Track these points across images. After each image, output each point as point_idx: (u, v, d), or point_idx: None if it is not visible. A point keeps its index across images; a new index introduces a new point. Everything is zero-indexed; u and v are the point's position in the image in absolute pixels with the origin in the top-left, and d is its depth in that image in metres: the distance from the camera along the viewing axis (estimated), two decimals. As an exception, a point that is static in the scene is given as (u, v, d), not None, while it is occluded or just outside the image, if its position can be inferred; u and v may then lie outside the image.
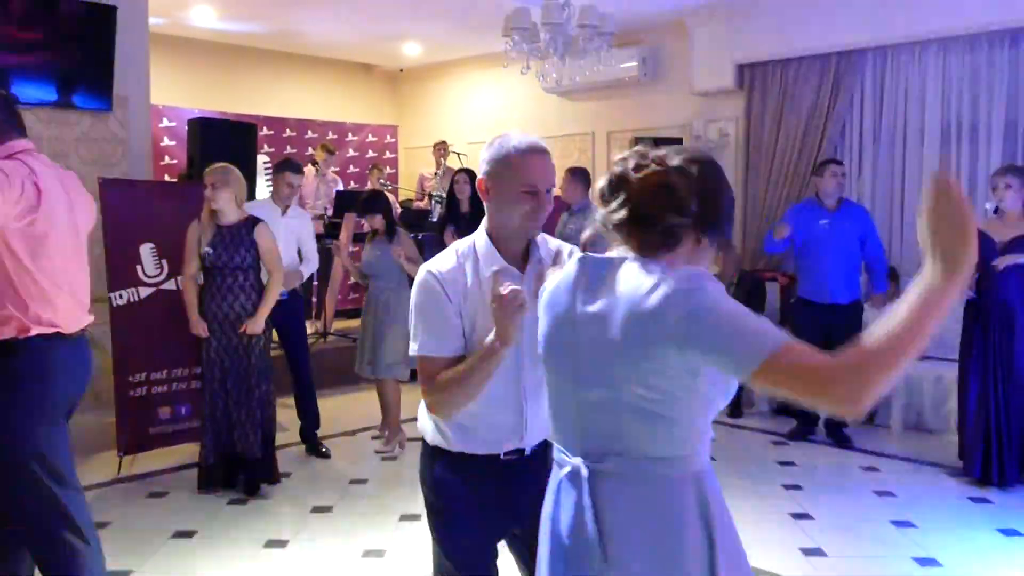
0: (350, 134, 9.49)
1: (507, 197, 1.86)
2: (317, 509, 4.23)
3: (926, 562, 3.59)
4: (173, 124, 7.93)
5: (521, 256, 1.93)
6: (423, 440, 2.02)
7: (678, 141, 7.36)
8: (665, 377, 1.36)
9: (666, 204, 1.42)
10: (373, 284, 5.20)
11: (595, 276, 1.46)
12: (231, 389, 4.35)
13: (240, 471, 4.44)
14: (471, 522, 1.96)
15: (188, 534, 3.89)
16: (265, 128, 8.14)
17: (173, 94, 7.57)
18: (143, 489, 4.47)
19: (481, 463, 1.93)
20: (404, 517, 4.07)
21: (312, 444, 5.16)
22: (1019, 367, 4.44)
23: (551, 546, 1.54)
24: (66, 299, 2.65)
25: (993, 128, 5.97)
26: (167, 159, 7.70)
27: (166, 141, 7.80)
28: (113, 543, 3.73)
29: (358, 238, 6.40)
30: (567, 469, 1.49)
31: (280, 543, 3.80)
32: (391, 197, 8.54)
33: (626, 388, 1.38)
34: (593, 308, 1.43)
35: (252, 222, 4.34)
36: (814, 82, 6.68)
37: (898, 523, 4.03)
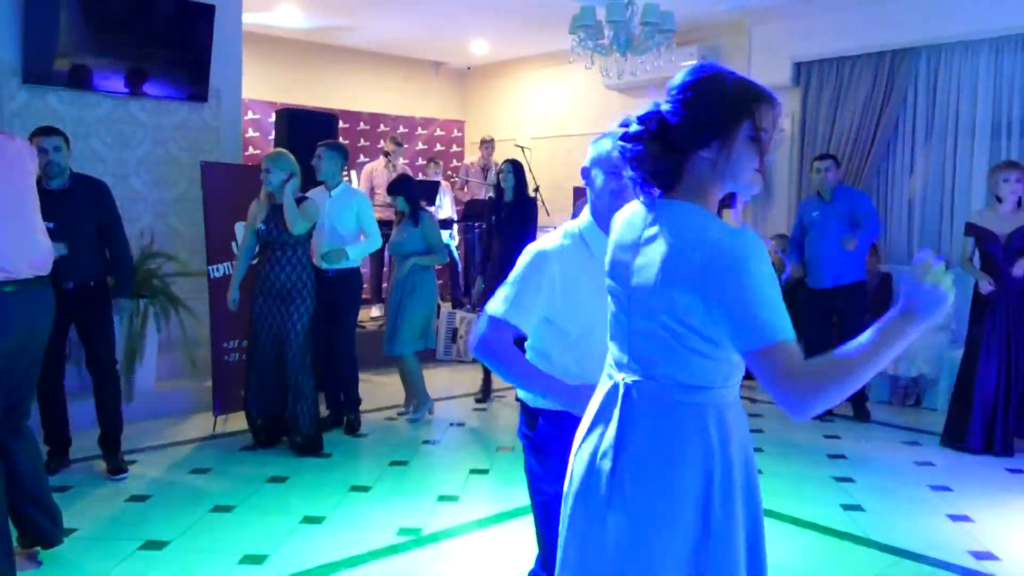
0: (419, 128, 9.97)
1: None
2: (395, 462, 4.65)
3: (958, 518, 3.87)
4: (257, 116, 8.48)
5: None
6: (522, 403, 2.20)
7: (734, 136, 7.62)
8: (696, 316, 1.44)
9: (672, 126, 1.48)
10: (398, 266, 5.46)
11: (656, 215, 1.54)
12: (273, 358, 4.72)
13: (285, 435, 4.81)
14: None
15: (281, 479, 4.34)
16: (341, 121, 8.62)
17: (257, 88, 8.10)
18: (237, 444, 4.93)
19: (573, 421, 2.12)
20: (442, 497, 4.16)
21: (347, 422, 5.30)
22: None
23: (578, 455, 1.65)
24: None
25: (1044, 124, 6.12)
26: (251, 149, 8.23)
27: (250, 132, 8.34)
28: (216, 486, 4.22)
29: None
30: (610, 384, 1.61)
31: (363, 488, 4.22)
32: (447, 188, 8.92)
33: (664, 320, 1.48)
34: (646, 244, 1.53)
35: (300, 200, 4.74)
36: (868, 80, 6.89)
37: (935, 487, 4.31)
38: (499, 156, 9.20)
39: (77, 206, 4.16)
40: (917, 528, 3.74)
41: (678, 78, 1.51)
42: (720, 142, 1.47)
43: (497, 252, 5.87)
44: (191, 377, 5.68)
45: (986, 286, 4.82)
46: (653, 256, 1.50)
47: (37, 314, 3.15)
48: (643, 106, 1.53)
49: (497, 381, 6.14)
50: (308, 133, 6.01)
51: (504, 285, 2.06)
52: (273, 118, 7.33)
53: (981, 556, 3.44)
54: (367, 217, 5.29)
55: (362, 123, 9.39)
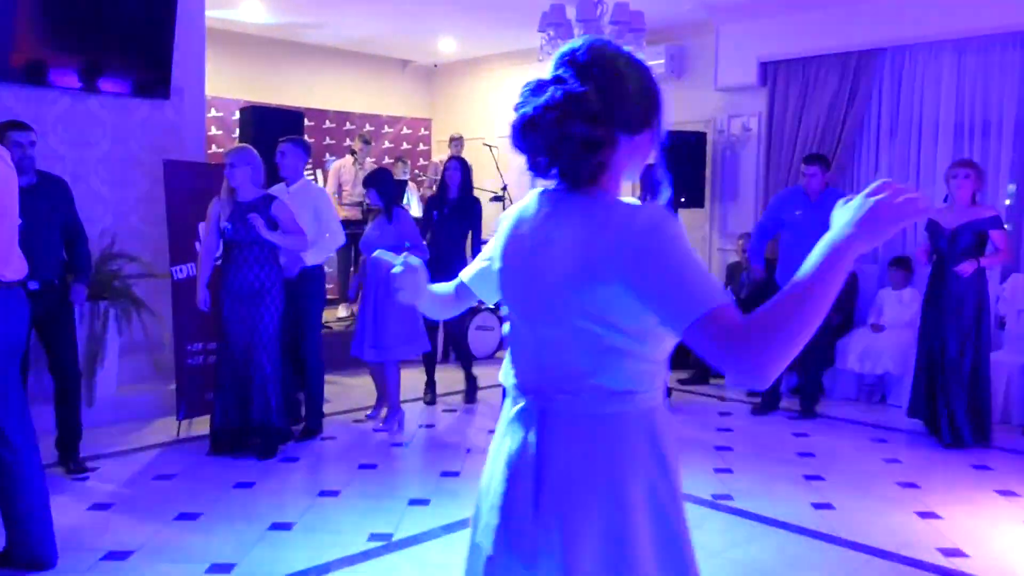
0: (386, 127, 9.88)
1: None
2: (364, 466, 4.59)
3: (926, 515, 3.91)
4: (220, 114, 8.34)
5: None
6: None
7: (702, 136, 7.67)
8: (616, 312, 1.31)
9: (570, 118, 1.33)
10: (371, 264, 5.14)
11: (553, 210, 1.41)
12: (243, 359, 4.60)
13: (253, 438, 4.67)
14: None
15: (248, 485, 4.26)
16: (306, 119, 8.52)
17: (219, 85, 7.96)
18: (202, 449, 4.82)
19: None
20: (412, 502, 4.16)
21: (305, 428, 5.10)
22: (968, 345, 4.99)
23: (489, 484, 1.48)
24: None
25: (1004, 126, 6.22)
26: (214, 147, 8.09)
27: (213, 130, 8.20)
28: (181, 493, 4.13)
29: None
30: (520, 405, 1.44)
31: (332, 493, 4.16)
32: (414, 188, 8.86)
33: (579, 322, 1.34)
34: (549, 242, 1.38)
35: (269, 199, 4.62)
36: (834, 79, 6.96)
37: (902, 484, 4.35)
38: (467, 155, 9.17)
39: (42, 204, 4.09)
40: (887, 526, 3.77)
41: (595, 56, 1.36)
42: (651, 126, 1.40)
43: (433, 251, 5.51)
44: (154, 381, 5.56)
45: (922, 265, 5.11)
46: (557, 255, 1.35)
47: (23, 318, 3.15)
48: (531, 84, 1.38)
49: (446, 384, 6.03)
50: (273, 131, 5.90)
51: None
52: (237, 116, 7.22)
53: (950, 553, 3.48)
54: (327, 214, 5.15)
55: (328, 121, 9.29)
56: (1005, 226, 6.12)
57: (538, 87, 1.37)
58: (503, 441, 1.46)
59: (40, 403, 4.45)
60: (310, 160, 8.36)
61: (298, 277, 4.97)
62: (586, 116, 1.32)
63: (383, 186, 5.19)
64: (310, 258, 5.00)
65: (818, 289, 1.18)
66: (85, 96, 5.70)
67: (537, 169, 1.39)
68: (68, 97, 5.63)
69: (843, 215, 1.24)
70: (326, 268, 8.85)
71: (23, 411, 3.14)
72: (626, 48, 1.41)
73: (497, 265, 1.50)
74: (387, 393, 5.34)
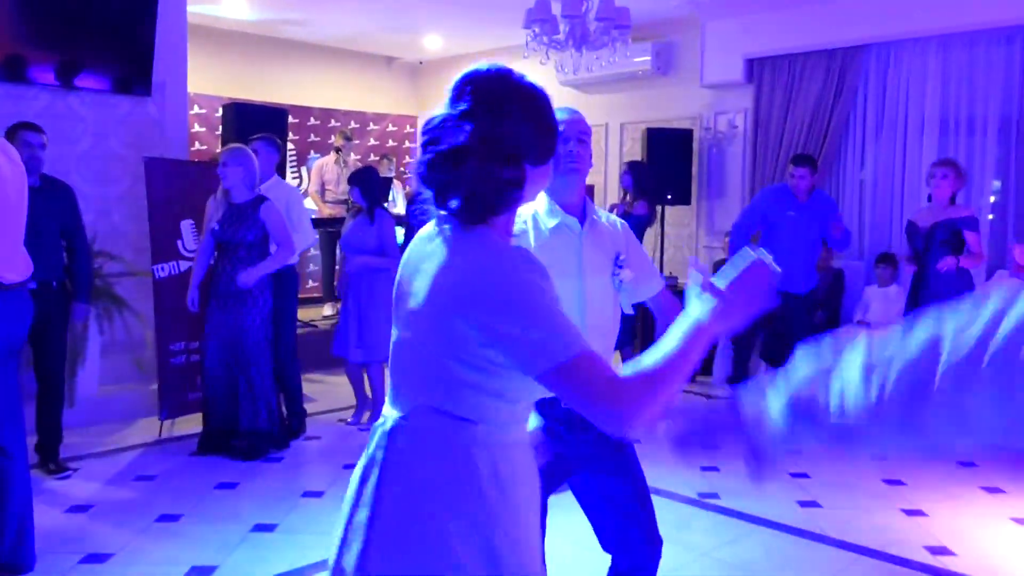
0: (371, 124, 9.82)
1: None
2: (349, 466, 4.55)
3: (912, 513, 3.91)
4: (203, 111, 8.27)
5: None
6: None
7: (688, 134, 7.66)
8: (466, 351, 1.32)
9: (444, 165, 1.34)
10: (350, 263, 5.13)
11: (437, 238, 1.40)
12: (231, 362, 4.56)
13: (239, 441, 4.62)
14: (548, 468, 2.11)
15: (230, 485, 4.21)
16: (291, 116, 8.46)
17: (203, 82, 7.87)
18: (184, 449, 4.77)
19: (539, 406, 2.17)
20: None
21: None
22: None
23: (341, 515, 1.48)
24: None
25: (989, 122, 6.24)
26: (197, 145, 8.02)
27: (196, 127, 8.12)
28: (162, 494, 4.09)
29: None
30: (381, 421, 1.45)
31: (316, 493, 4.12)
32: (399, 186, 8.83)
33: (436, 352, 1.35)
34: (419, 272, 1.40)
35: (259, 201, 4.57)
36: (820, 76, 6.96)
37: (888, 481, 4.35)
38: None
39: (43, 206, 4.08)
40: (873, 524, 3.76)
41: (500, 91, 1.38)
42: (551, 158, 1.44)
43: None
44: (136, 381, 5.49)
45: (904, 270, 5.07)
46: (423, 283, 1.37)
47: (24, 319, 3.14)
48: (440, 119, 1.37)
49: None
50: (257, 128, 5.84)
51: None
52: (220, 113, 7.15)
53: (936, 551, 3.47)
54: (296, 214, 5.06)
55: (312, 118, 9.22)
56: (990, 216, 6.18)
57: (446, 123, 1.35)
58: (361, 462, 1.45)
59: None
60: (295, 158, 8.35)
61: (270, 275, 4.89)
62: (504, 157, 1.33)
63: (367, 185, 5.13)
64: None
65: (685, 364, 1.29)
66: (65, 93, 5.62)
67: (441, 204, 1.37)
68: (48, 94, 5.54)
69: (702, 303, 1.35)
70: (312, 266, 8.80)
71: (17, 414, 3.08)
72: (528, 80, 1.44)
73: (397, 279, 1.50)
74: (373, 394, 5.29)
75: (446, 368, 1.34)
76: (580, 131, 2.19)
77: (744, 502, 3.99)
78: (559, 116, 2.02)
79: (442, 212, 1.38)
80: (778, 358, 5.43)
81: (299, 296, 7.16)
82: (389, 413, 1.43)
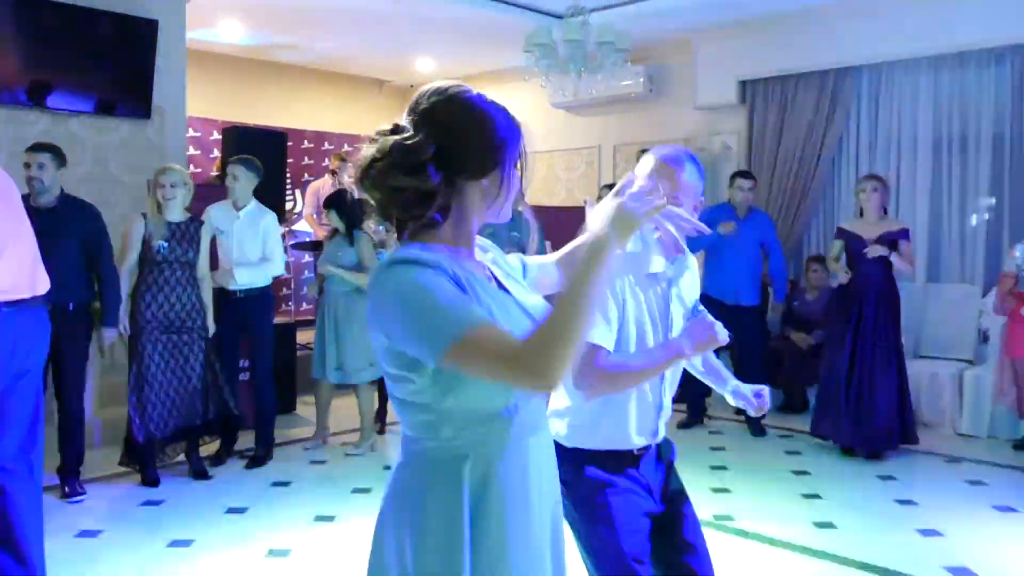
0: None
1: None
2: (358, 490, 4.51)
3: (928, 533, 3.91)
4: (199, 134, 8.22)
5: None
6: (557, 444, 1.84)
7: (683, 153, 7.70)
8: (391, 361, 1.35)
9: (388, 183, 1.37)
10: (328, 285, 5.16)
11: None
12: (171, 375, 4.50)
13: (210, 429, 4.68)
14: (633, 510, 2.02)
15: (240, 510, 4.16)
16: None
17: (198, 105, 7.84)
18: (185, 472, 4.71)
19: (619, 456, 2.05)
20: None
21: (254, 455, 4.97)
22: (881, 342, 5.09)
23: None
24: None
25: (982, 141, 6.34)
26: (192, 167, 7.96)
27: (191, 150, 8.07)
28: (171, 519, 4.03)
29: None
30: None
31: (328, 518, 4.07)
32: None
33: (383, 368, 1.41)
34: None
35: (199, 222, 4.63)
36: (813, 97, 7.04)
37: (900, 501, 4.36)
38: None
39: (61, 226, 4.08)
40: (891, 544, 3.76)
41: (439, 102, 1.38)
42: (499, 170, 1.39)
43: None
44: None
45: (843, 276, 5.20)
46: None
47: (40, 338, 3.10)
48: (389, 133, 1.38)
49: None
50: (256, 151, 5.82)
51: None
52: (216, 135, 7.12)
53: (957, 572, 3.47)
54: (272, 239, 5.03)
55: (306, 141, 9.20)
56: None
57: (379, 136, 1.39)
58: None
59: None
60: (289, 181, 8.29)
61: (244, 298, 4.90)
62: (412, 166, 1.33)
63: (342, 207, 5.17)
64: (242, 277, 4.89)
65: (591, 289, 1.25)
66: (65, 117, 5.60)
67: (385, 217, 1.41)
68: (48, 117, 5.51)
69: (596, 216, 1.35)
70: (308, 291, 8.73)
71: (28, 435, 3.01)
72: (475, 94, 1.41)
73: None
74: (362, 418, 5.28)
75: (392, 387, 1.39)
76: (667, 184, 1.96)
77: (759, 524, 3.99)
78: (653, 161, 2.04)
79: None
80: (740, 368, 5.62)
81: (297, 319, 7.14)
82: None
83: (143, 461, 4.51)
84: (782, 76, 7.20)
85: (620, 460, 2.04)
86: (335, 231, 5.23)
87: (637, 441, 2.06)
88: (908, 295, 6.41)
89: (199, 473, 4.64)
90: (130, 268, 4.52)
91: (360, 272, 5.06)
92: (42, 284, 3.06)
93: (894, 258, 5.06)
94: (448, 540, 1.33)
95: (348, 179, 8.35)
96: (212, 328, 4.68)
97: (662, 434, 2.13)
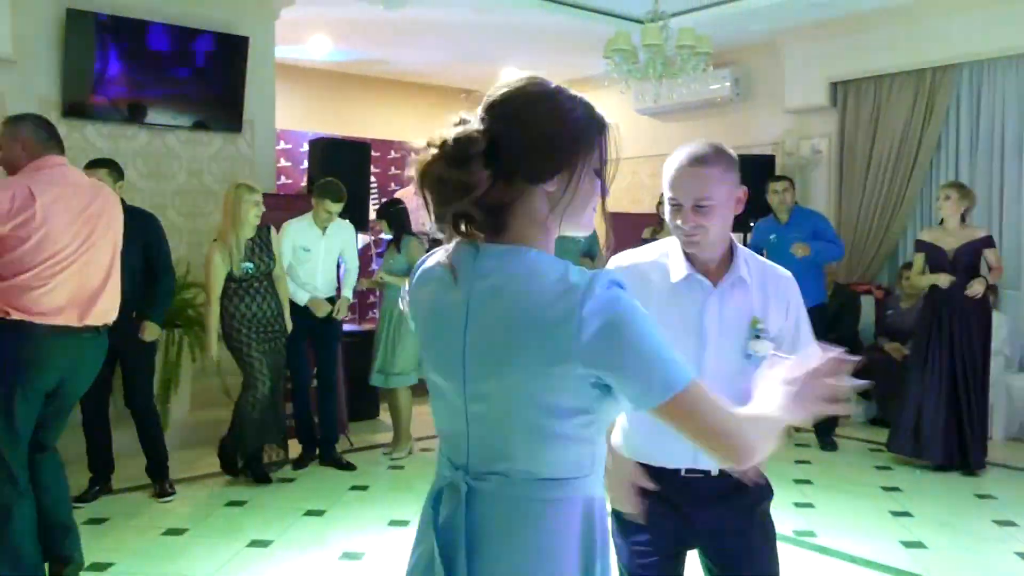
0: (449, 155, 9.92)
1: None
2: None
3: (1028, 556, 3.68)
4: (289, 146, 8.49)
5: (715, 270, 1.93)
6: None
7: (770, 159, 7.50)
8: (565, 394, 1.20)
9: (446, 190, 1.21)
10: (386, 293, 5.31)
11: (486, 265, 1.24)
12: (273, 386, 4.69)
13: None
14: (643, 535, 1.90)
15: (318, 512, 4.25)
16: (372, 150, 8.64)
17: (288, 118, 8.11)
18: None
19: (658, 474, 1.91)
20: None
21: (328, 454, 5.13)
22: (972, 359, 4.97)
23: (416, 558, 1.36)
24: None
25: (1091, 139, 5.95)
26: (283, 178, 8.24)
27: (282, 162, 8.35)
28: (253, 520, 4.15)
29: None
30: (447, 480, 1.30)
31: (403, 523, 4.12)
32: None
33: (518, 401, 1.21)
34: (480, 304, 1.23)
35: (267, 228, 4.74)
36: (908, 97, 6.75)
37: (998, 522, 4.11)
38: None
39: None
40: (985, 566, 3.56)
41: (506, 95, 1.24)
42: (566, 174, 1.23)
43: None
44: (225, 406, 5.61)
45: (945, 280, 4.98)
46: (495, 320, 1.21)
47: (86, 361, 3.27)
48: (455, 125, 1.23)
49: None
50: (341, 162, 5.99)
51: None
52: (305, 147, 7.33)
53: (1057, 597, 3.26)
54: (353, 250, 5.26)
55: (393, 151, 9.38)
56: None
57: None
58: (426, 528, 1.34)
59: (123, 426, 4.62)
60: (376, 191, 8.46)
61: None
62: (460, 159, 1.19)
63: (391, 216, 5.36)
64: (350, 293, 5.23)
65: (780, 425, 1.28)
66: (162, 131, 5.87)
67: (436, 218, 1.24)
68: (146, 132, 5.80)
69: (774, 383, 1.32)
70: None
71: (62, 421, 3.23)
72: (550, 87, 1.26)
73: (421, 326, 1.41)
74: (397, 420, 5.34)
75: (526, 422, 1.25)
76: (692, 196, 1.86)
77: (843, 541, 3.83)
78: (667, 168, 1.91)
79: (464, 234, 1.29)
80: None
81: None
82: (455, 477, 1.30)
83: (247, 463, 4.72)
84: (875, 76, 6.93)
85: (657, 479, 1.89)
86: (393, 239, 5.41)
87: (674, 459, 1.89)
88: (1016, 304, 6.09)
89: (260, 478, 4.73)
90: (217, 298, 4.65)
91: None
92: (95, 316, 3.20)
93: (991, 278, 4.99)
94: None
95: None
96: (289, 326, 4.81)
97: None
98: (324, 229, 5.06)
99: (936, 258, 5.06)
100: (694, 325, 1.89)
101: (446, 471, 1.31)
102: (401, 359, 5.17)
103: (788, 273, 1.99)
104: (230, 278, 4.60)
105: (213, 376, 5.39)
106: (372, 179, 8.47)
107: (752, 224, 6.40)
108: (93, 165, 4.29)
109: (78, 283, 3.14)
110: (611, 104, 9.02)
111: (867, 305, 6.59)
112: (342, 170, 5.57)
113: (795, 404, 1.29)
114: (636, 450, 1.94)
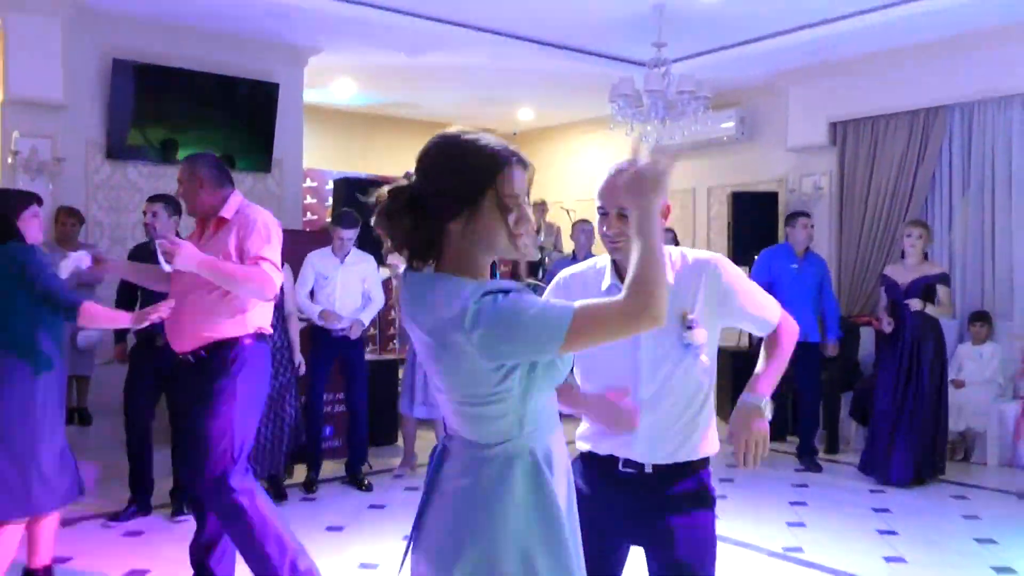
0: (468, 192, 10.30)
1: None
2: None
3: (1003, 571, 3.90)
4: (314, 184, 8.92)
5: None
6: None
7: (773, 196, 7.81)
8: (478, 383, 1.48)
9: (388, 223, 1.53)
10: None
11: (413, 291, 1.56)
12: (274, 415, 4.94)
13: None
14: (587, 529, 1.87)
15: (337, 528, 4.55)
16: (393, 187, 9.03)
17: (314, 157, 8.54)
18: (296, 495, 5.15)
19: (605, 465, 2.06)
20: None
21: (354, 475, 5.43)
22: (923, 384, 5.41)
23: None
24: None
25: (1081, 178, 6.20)
26: (308, 215, 8.65)
27: (308, 199, 8.77)
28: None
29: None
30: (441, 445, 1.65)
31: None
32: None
33: (449, 393, 1.53)
34: (416, 323, 1.54)
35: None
36: (903, 137, 7.05)
37: (980, 540, 4.34)
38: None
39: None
40: (960, 579, 3.78)
41: (422, 150, 1.56)
42: (467, 211, 1.49)
43: None
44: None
45: (885, 326, 5.51)
46: (418, 334, 1.54)
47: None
48: (403, 178, 1.56)
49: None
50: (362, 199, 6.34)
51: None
52: (330, 185, 7.73)
53: (1024, 607, 3.48)
54: (374, 281, 5.49)
55: (414, 188, 9.77)
56: None
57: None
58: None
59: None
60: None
61: (343, 336, 5.30)
62: (391, 212, 1.52)
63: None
64: (367, 319, 5.48)
65: (655, 241, 1.45)
66: (196, 171, 6.26)
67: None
68: (182, 172, 6.20)
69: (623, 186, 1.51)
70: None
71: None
72: (455, 136, 1.55)
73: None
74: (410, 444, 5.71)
75: (457, 404, 1.57)
76: (615, 204, 2.03)
77: (829, 557, 4.06)
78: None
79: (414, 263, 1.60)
80: (800, 400, 6.07)
81: (401, 357, 7.57)
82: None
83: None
84: (872, 116, 7.24)
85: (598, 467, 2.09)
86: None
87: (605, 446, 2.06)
88: (1007, 334, 6.31)
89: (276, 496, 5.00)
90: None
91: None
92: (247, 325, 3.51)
93: (929, 309, 5.39)
94: (554, 513, 1.54)
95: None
96: (299, 360, 5.10)
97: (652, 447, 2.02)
98: (343, 259, 5.38)
99: (893, 292, 5.55)
100: None
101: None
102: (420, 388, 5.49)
103: (709, 255, 2.09)
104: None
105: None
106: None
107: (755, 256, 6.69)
108: (152, 200, 4.67)
109: None
110: (623, 142, 9.30)
111: (866, 336, 6.82)
112: (364, 207, 5.91)
113: (633, 199, 1.47)
114: (585, 438, 2.13)
